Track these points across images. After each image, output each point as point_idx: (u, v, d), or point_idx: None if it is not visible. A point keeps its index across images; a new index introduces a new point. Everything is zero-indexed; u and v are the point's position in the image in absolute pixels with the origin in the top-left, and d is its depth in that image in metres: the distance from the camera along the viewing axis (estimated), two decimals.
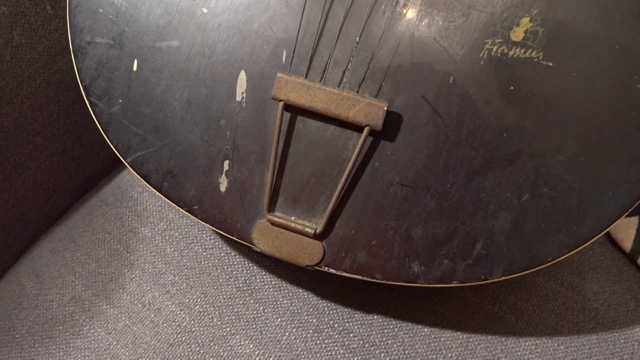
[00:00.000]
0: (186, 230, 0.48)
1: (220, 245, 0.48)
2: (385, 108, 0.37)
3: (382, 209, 0.39)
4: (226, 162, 0.41)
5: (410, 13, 0.38)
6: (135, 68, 0.42)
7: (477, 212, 0.38)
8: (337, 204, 0.39)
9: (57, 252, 0.48)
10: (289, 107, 0.39)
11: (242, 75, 0.40)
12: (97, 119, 0.43)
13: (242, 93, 0.41)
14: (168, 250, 0.48)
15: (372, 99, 0.38)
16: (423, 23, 0.37)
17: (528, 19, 0.36)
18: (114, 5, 0.42)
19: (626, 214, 0.36)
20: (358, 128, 0.38)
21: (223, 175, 0.41)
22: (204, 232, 0.49)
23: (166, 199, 0.43)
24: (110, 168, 0.57)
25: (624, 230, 0.50)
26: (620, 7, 0.35)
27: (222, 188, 0.41)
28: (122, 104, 0.43)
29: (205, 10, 0.41)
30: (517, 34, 0.36)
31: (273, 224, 0.40)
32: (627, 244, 0.49)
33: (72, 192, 0.55)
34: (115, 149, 0.43)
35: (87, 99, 0.43)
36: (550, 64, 0.36)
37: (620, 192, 0.36)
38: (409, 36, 0.38)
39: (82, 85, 0.43)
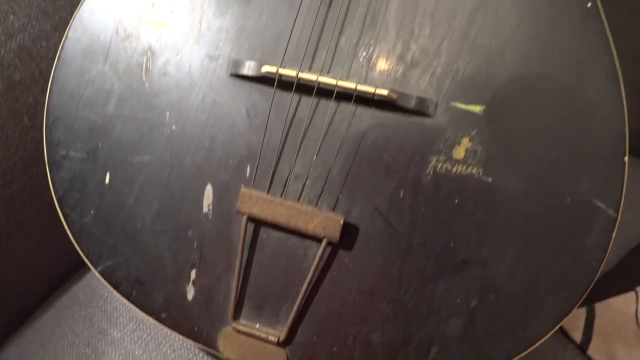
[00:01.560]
0: (155, 331, 0.49)
1: (189, 347, 0.49)
2: (342, 222, 0.39)
3: (341, 316, 0.40)
4: (193, 271, 0.43)
5: (362, 131, 0.41)
6: (107, 181, 0.44)
7: (430, 318, 0.39)
8: (299, 312, 0.41)
9: (26, 358, 0.48)
10: (253, 219, 0.41)
11: (209, 188, 0.43)
12: (69, 229, 0.45)
13: (209, 205, 0.43)
14: (137, 352, 0.48)
15: (329, 213, 0.40)
16: (375, 141, 0.40)
17: (468, 138, 0.39)
18: (88, 121, 0.44)
19: (567, 317, 0.38)
20: (318, 239, 0.40)
21: (190, 283, 0.43)
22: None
23: (133, 306, 0.43)
24: (81, 264, 0.57)
25: (573, 321, 0.52)
26: (550, 130, 0.39)
27: (189, 296, 0.43)
28: (94, 215, 0.44)
29: (174, 128, 0.43)
30: (459, 152, 0.40)
31: (238, 331, 0.41)
32: (577, 335, 0.51)
33: (42, 292, 0.55)
34: (86, 258, 0.44)
35: (60, 210, 0.45)
36: (489, 180, 0.39)
37: (559, 297, 0.38)
38: (363, 152, 0.40)
39: (55, 197, 0.45)
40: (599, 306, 0.53)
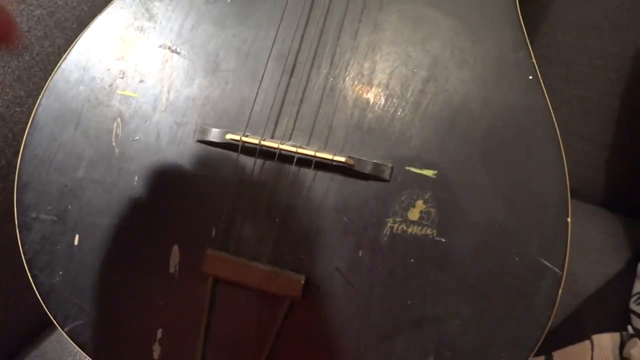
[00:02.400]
0: None
1: None
2: (303, 281, 0.41)
3: None
4: (159, 331, 0.43)
5: (322, 194, 0.42)
6: (76, 242, 0.45)
7: None
8: None
9: None
10: (218, 279, 0.42)
11: (176, 248, 0.44)
12: (37, 290, 0.45)
13: (175, 265, 0.43)
14: None
15: (291, 273, 0.41)
16: (335, 203, 0.42)
17: (422, 201, 0.41)
18: (59, 185, 0.45)
19: None
20: (281, 298, 0.42)
21: (157, 343, 0.43)
22: None
23: None
24: (51, 321, 0.56)
25: None
26: (498, 193, 0.41)
27: (156, 356, 0.43)
28: (62, 276, 0.45)
29: (142, 191, 0.44)
30: (414, 214, 0.41)
31: None
32: None
33: (12, 347, 0.55)
34: (54, 319, 0.45)
35: (29, 271, 0.45)
36: (443, 240, 0.41)
37: (511, 353, 0.40)
38: (324, 214, 0.42)
39: (24, 258, 0.45)
40: (557, 355, 0.54)
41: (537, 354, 0.55)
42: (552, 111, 0.41)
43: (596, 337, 0.54)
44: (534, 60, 0.42)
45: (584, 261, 0.62)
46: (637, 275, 0.60)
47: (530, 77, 0.42)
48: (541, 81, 0.41)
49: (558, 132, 0.41)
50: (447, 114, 0.42)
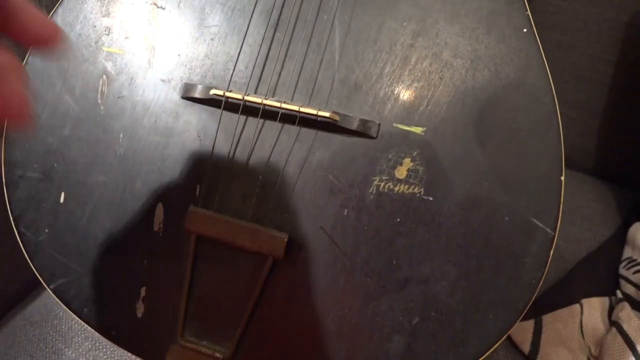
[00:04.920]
0: (112, 350, 0.44)
1: None
2: (286, 240, 0.36)
3: (287, 333, 0.37)
4: (143, 289, 0.39)
5: (307, 151, 0.37)
6: (62, 200, 0.40)
7: (373, 335, 0.36)
8: (245, 329, 0.37)
9: None
10: (200, 237, 0.38)
11: (160, 207, 0.39)
12: (24, 248, 0.41)
13: (160, 224, 0.39)
14: None
15: (274, 231, 0.36)
16: (320, 161, 0.37)
17: (409, 159, 0.36)
18: (45, 143, 0.41)
19: (507, 333, 0.35)
20: (264, 256, 0.37)
21: (140, 301, 0.39)
22: None
23: (86, 325, 0.39)
24: (36, 284, 0.52)
25: (522, 333, 0.48)
26: (488, 150, 0.35)
27: (139, 314, 0.39)
28: (48, 234, 0.40)
29: (127, 149, 0.39)
30: (401, 172, 0.36)
31: (185, 348, 0.37)
32: (526, 347, 0.48)
33: None
34: (40, 276, 0.40)
35: (16, 229, 0.41)
36: (431, 199, 0.36)
37: (499, 315, 0.35)
38: (308, 171, 0.37)
39: (12, 216, 0.41)
40: (546, 318, 0.49)
41: (526, 318, 0.50)
42: (547, 64, 0.35)
43: (586, 301, 0.49)
44: (529, 13, 0.36)
45: (574, 228, 0.56)
46: (626, 241, 0.55)
47: (525, 30, 0.36)
48: (536, 34, 0.36)
49: (553, 86, 0.35)
50: (436, 68, 0.36)
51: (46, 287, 0.40)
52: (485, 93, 0.36)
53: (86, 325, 0.40)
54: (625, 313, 0.47)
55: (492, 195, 0.35)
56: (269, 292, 0.37)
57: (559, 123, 0.35)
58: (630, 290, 0.49)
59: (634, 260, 0.52)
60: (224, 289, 0.37)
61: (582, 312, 0.49)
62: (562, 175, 0.35)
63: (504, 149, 0.35)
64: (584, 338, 0.47)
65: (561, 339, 0.48)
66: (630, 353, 0.43)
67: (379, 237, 0.36)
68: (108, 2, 0.41)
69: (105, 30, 0.41)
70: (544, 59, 0.36)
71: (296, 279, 0.37)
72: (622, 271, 0.52)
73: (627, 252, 0.53)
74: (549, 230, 0.35)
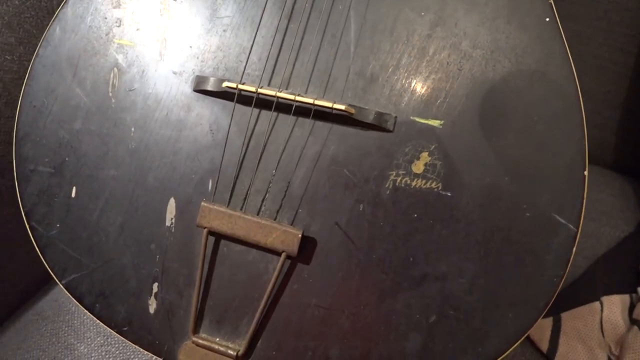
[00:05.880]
0: (123, 345, 0.44)
1: None
2: (300, 235, 0.35)
3: (301, 330, 0.36)
4: (155, 285, 0.38)
5: (321, 145, 0.36)
6: (73, 195, 0.40)
7: (389, 333, 0.35)
8: (258, 326, 0.36)
9: None
10: (213, 233, 0.37)
11: (172, 202, 0.38)
12: (35, 242, 0.40)
13: (172, 219, 0.38)
14: None
15: (288, 227, 0.35)
16: (335, 155, 0.36)
17: (427, 153, 0.35)
18: (56, 137, 0.40)
19: (527, 332, 0.34)
20: (277, 252, 0.36)
21: (152, 297, 0.38)
22: None
23: (98, 320, 0.39)
24: (48, 279, 0.52)
25: (540, 331, 0.47)
26: (509, 144, 0.34)
27: (151, 310, 0.38)
28: (60, 228, 0.40)
29: (139, 143, 0.39)
30: (418, 167, 0.35)
31: (198, 345, 0.36)
32: (544, 345, 0.47)
33: (8, 306, 0.50)
34: (52, 271, 0.40)
35: (28, 224, 0.40)
36: (449, 194, 0.35)
37: (519, 313, 0.34)
38: (322, 166, 0.36)
39: (23, 210, 0.40)
40: (565, 316, 0.48)
41: (545, 316, 0.49)
42: (570, 55, 0.34)
43: (606, 299, 0.47)
44: (551, 1, 0.35)
45: (593, 223, 0.55)
46: None
47: (548, 19, 0.34)
48: (559, 23, 0.34)
49: (576, 77, 0.34)
50: (454, 59, 0.35)
51: (58, 282, 0.40)
52: (506, 84, 0.34)
53: (97, 320, 0.39)
54: None
55: (512, 190, 0.34)
56: (282, 289, 0.36)
57: (582, 115, 0.34)
58: None
59: None
60: (237, 285, 0.37)
61: (602, 310, 0.48)
62: (585, 170, 0.34)
63: (524, 143, 0.34)
64: (603, 336, 0.46)
65: (580, 337, 0.47)
66: None
67: (395, 233, 0.35)
68: None
69: (116, 22, 0.40)
70: (567, 48, 0.34)
71: (310, 275, 0.36)
72: None
73: None
74: (571, 226, 0.33)
